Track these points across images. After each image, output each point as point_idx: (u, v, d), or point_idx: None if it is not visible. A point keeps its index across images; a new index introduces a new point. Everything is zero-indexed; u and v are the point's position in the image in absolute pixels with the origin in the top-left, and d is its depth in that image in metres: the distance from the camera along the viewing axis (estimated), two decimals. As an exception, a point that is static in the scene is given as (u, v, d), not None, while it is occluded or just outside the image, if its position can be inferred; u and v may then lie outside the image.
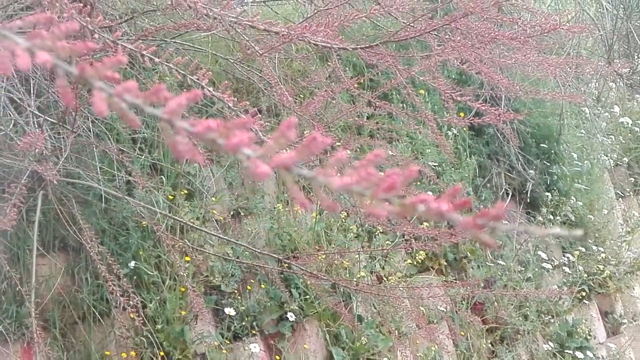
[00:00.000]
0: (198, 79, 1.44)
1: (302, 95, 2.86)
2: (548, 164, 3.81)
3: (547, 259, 3.53)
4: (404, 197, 0.53)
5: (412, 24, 2.33)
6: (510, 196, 3.72)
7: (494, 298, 3.15)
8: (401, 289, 2.77)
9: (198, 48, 2.57)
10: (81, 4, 1.85)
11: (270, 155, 0.52)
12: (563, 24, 2.13)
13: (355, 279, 2.70)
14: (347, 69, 3.26)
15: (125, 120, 0.53)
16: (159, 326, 2.28)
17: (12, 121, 2.14)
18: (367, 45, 2.32)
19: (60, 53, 0.52)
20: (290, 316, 2.55)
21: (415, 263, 3.05)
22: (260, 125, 1.48)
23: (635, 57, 4.16)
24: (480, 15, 2.22)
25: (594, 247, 3.75)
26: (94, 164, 2.28)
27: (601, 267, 3.66)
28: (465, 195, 3.37)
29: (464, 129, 3.47)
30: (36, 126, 2.17)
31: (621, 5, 3.68)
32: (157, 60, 1.41)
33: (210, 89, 1.50)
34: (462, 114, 3.12)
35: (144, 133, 2.51)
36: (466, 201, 0.48)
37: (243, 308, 2.49)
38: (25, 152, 2.00)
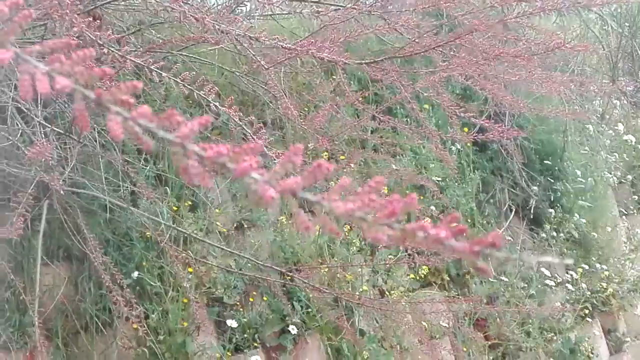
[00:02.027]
0: (204, 94, 1.46)
1: (307, 109, 2.88)
2: (552, 180, 3.82)
3: (550, 276, 3.52)
4: (406, 222, 0.55)
5: (417, 40, 2.35)
6: (513, 212, 3.72)
7: (496, 314, 3.15)
8: (403, 303, 2.77)
9: (204, 61, 2.59)
10: (90, 17, 1.88)
11: (277, 179, 0.54)
12: (567, 43, 2.14)
13: (357, 293, 2.70)
14: (352, 82, 3.28)
15: (139, 143, 0.55)
16: (161, 337, 2.28)
17: (20, 131, 2.16)
18: (371, 61, 2.34)
19: (79, 78, 0.54)
20: (292, 329, 2.54)
21: (417, 278, 3.05)
22: (264, 140, 1.49)
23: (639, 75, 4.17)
24: (484, 32, 2.24)
25: (598, 265, 3.74)
26: (99, 174, 2.29)
27: (604, 284, 3.64)
28: (469, 211, 3.37)
29: (468, 144, 3.48)
30: (43, 136, 2.19)
31: (626, 24, 3.70)
32: (164, 74, 1.42)
33: (217, 103, 1.51)
34: (466, 129, 3.13)
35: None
36: (463, 228, 0.49)
37: (245, 320, 2.49)
38: (32, 161, 2.02)
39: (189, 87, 1.47)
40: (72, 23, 1.43)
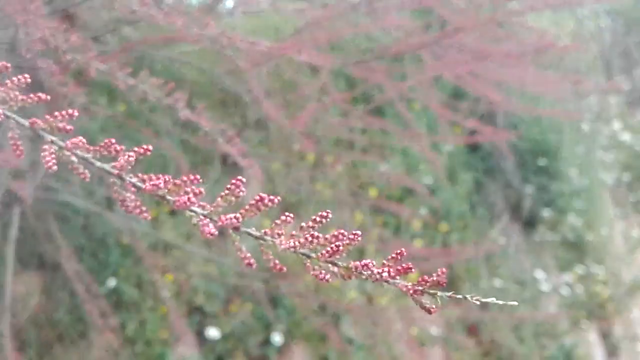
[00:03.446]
0: (173, 103, 1.37)
1: (292, 108, 2.79)
2: (546, 180, 3.74)
3: (544, 279, 3.45)
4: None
5: (404, 39, 2.28)
6: (507, 213, 3.64)
7: (489, 320, 3.07)
8: (393, 310, 2.71)
9: (184, 60, 2.50)
10: (62, 17, 1.78)
11: (218, 214, 0.55)
12: (558, 42, 2.07)
13: (345, 300, 2.63)
14: (339, 81, 3.20)
15: (76, 174, 0.56)
16: (138, 348, 2.21)
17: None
18: (357, 61, 2.26)
19: (13, 104, 0.55)
20: (277, 338, 2.47)
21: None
22: (238, 151, 1.41)
23: (634, 72, 4.09)
24: (473, 31, 2.17)
25: (593, 268, 3.67)
26: (74, 178, 2.21)
27: (600, 288, 3.58)
28: (461, 213, 3.29)
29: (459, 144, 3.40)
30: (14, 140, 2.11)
31: (620, 21, 3.62)
32: (131, 82, 1.35)
33: (187, 111, 1.43)
34: (457, 129, 3.05)
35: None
36: (408, 267, 0.50)
37: (227, 329, 2.42)
38: (1, 168, 1.94)
39: (156, 95, 1.38)
40: (37, 27, 1.34)
